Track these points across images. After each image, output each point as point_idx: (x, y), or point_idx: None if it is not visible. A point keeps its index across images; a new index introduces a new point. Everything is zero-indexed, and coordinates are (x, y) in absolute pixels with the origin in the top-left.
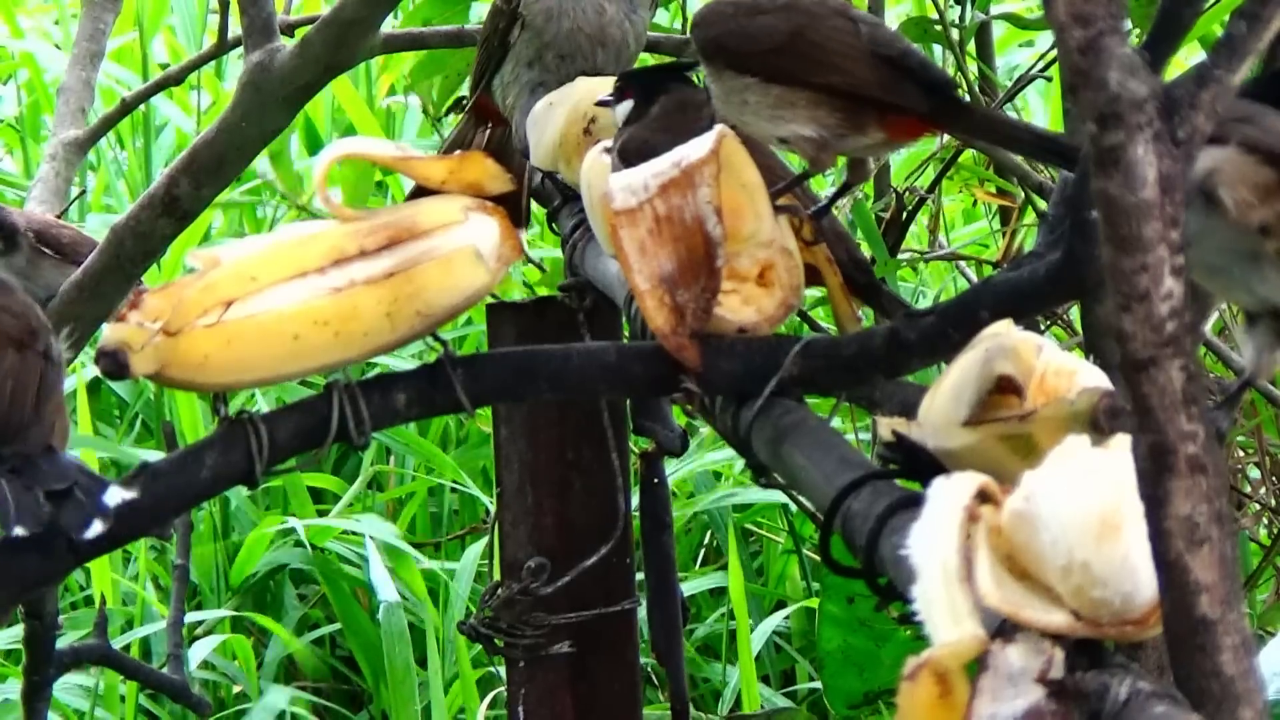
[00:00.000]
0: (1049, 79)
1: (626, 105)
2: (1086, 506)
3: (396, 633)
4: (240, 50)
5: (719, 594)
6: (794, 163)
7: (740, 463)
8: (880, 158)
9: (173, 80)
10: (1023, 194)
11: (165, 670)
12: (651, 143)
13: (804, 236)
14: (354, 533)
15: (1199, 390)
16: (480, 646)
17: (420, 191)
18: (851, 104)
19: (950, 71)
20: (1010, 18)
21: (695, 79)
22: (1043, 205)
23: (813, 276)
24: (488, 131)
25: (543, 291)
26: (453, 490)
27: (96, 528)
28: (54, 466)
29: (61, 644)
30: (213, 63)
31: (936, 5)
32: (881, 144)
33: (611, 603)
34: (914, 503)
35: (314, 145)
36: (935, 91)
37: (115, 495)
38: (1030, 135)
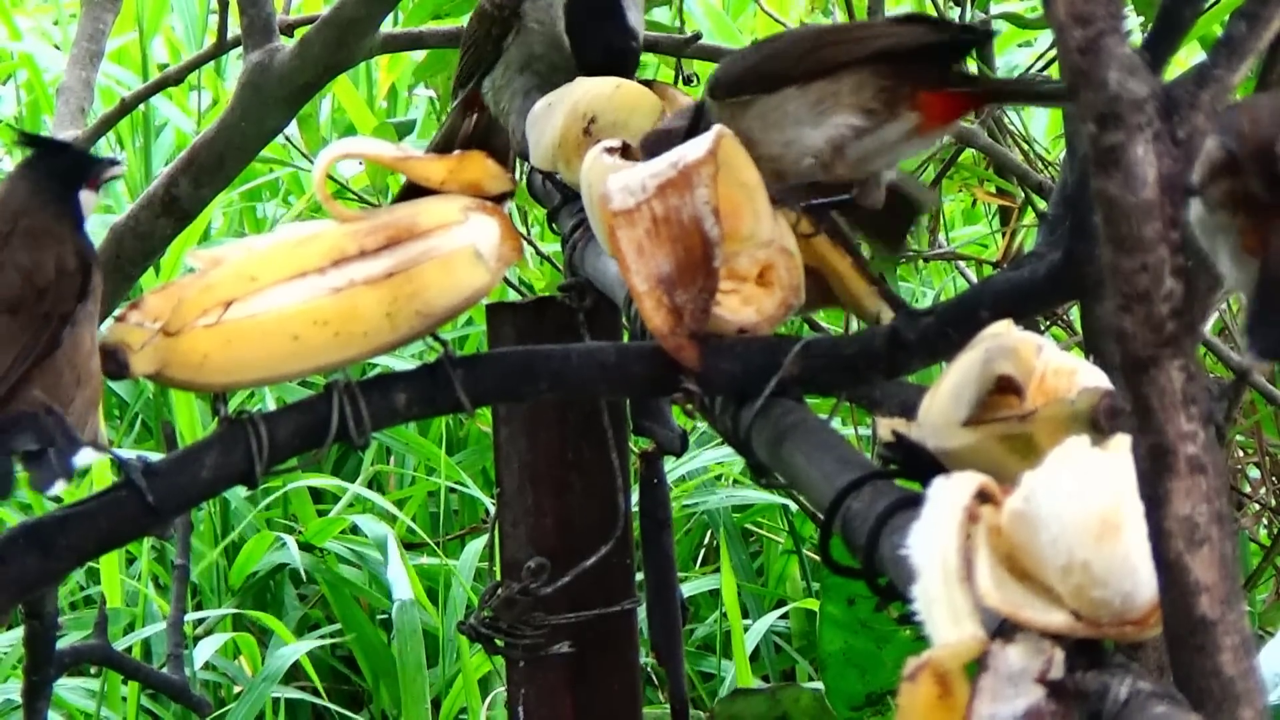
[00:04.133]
0: (1049, 79)
1: None
2: (1086, 506)
3: (409, 631)
4: (240, 50)
5: (719, 594)
6: None
7: (740, 462)
8: (892, 174)
9: (172, 80)
10: (1023, 194)
11: (166, 670)
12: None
13: (801, 230)
14: (355, 532)
15: (1199, 390)
16: (480, 646)
17: (413, 191)
18: (892, 80)
19: None
20: (1010, 17)
21: None
22: (1043, 205)
23: (818, 297)
24: (475, 117)
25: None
26: (452, 490)
27: (59, 485)
28: (37, 430)
29: (62, 644)
30: (213, 63)
31: (936, 5)
32: (915, 131)
33: (611, 603)
34: (914, 503)
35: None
36: (967, 30)
37: (85, 456)
38: (1051, 88)
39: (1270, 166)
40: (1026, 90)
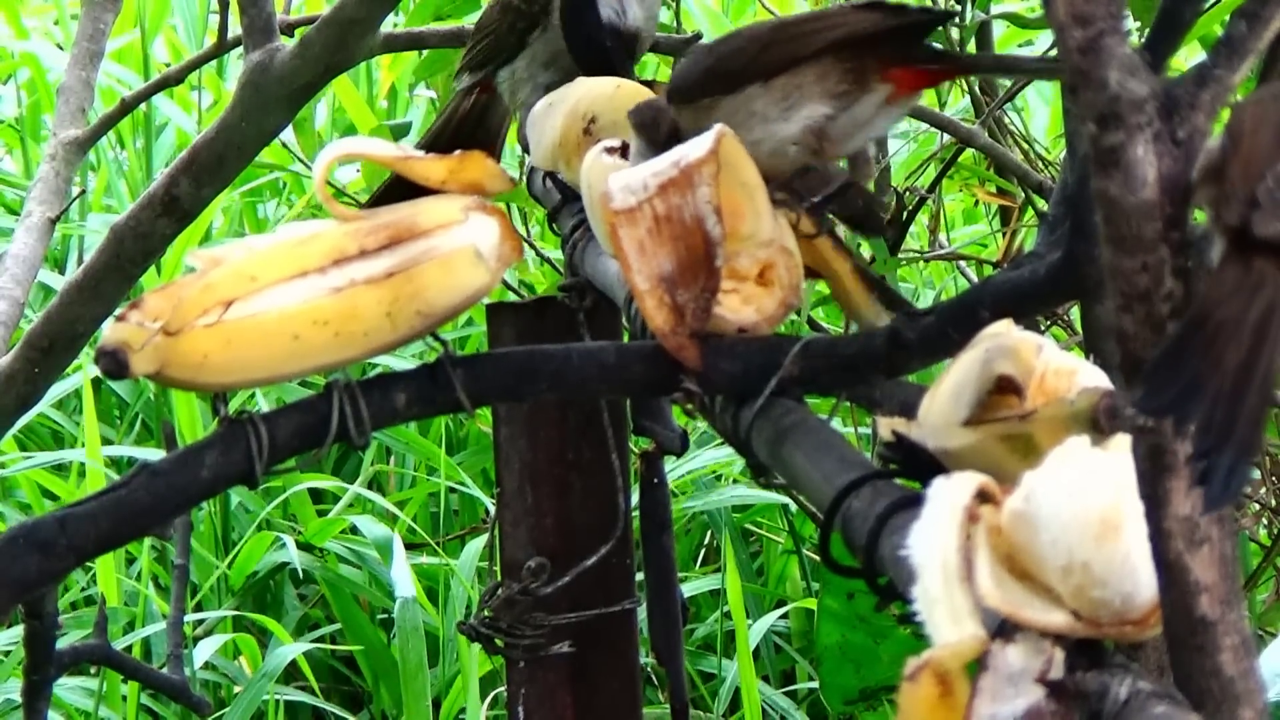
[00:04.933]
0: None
1: None
2: (1086, 506)
3: (411, 629)
4: (241, 50)
5: (719, 594)
6: None
7: (740, 462)
8: (882, 159)
9: (172, 80)
10: (1023, 194)
11: (165, 670)
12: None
13: (803, 230)
14: (355, 532)
15: None
16: (480, 646)
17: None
18: (856, 61)
19: None
20: (1010, 17)
21: None
22: (1043, 205)
23: (814, 274)
24: (473, 97)
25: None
26: (452, 490)
27: None
28: None
29: (62, 644)
30: (214, 62)
31: (936, 4)
32: (889, 102)
33: (611, 603)
34: (914, 503)
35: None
36: (927, 11)
37: None
38: (1021, 59)
39: (1246, 204)
40: (996, 64)
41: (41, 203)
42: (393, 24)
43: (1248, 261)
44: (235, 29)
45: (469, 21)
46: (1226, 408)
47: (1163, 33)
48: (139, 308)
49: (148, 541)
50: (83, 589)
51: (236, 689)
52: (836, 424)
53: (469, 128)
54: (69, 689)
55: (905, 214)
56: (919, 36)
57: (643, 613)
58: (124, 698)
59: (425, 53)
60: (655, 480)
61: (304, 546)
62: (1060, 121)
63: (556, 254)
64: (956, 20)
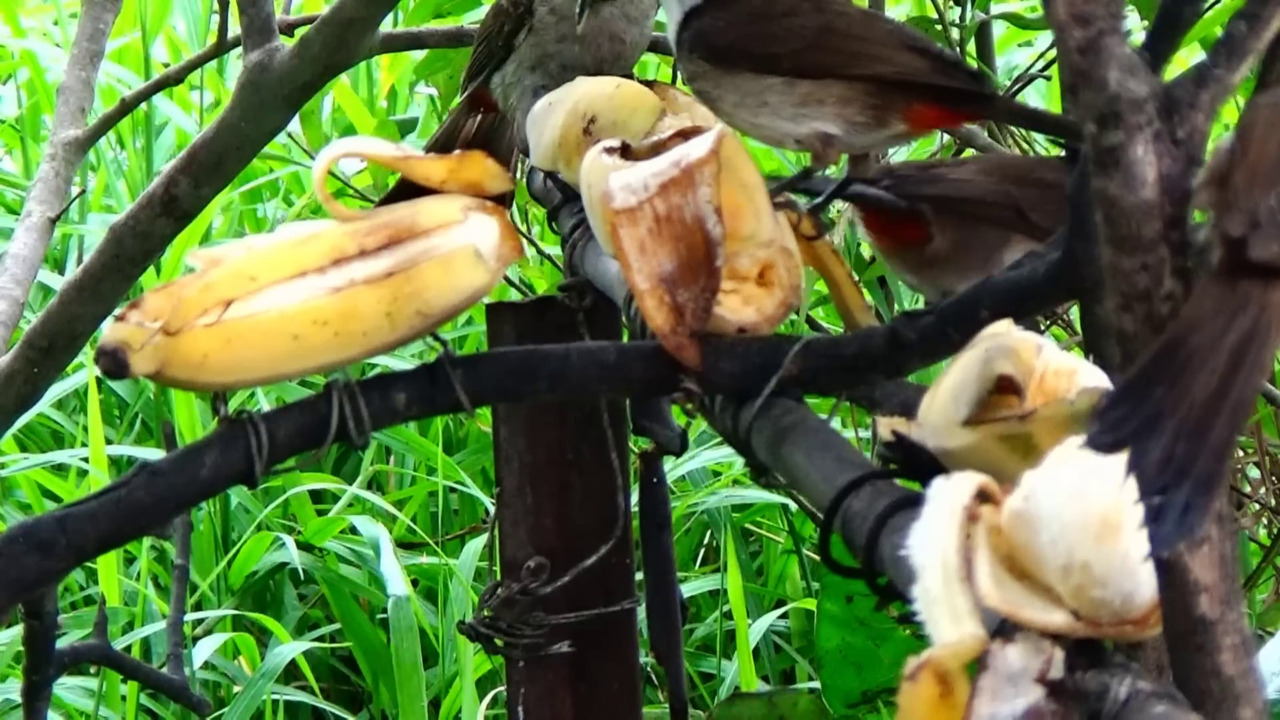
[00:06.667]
0: (1049, 79)
1: None
2: (1086, 506)
3: (405, 627)
4: (241, 50)
5: (719, 594)
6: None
7: (740, 462)
8: (883, 153)
9: (172, 80)
10: None
11: (165, 670)
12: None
13: (804, 232)
14: (355, 532)
15: None
16: (480, 646)
17: (405, 189)
18: (884, 96)
19: None
20: (1010, 17)
21: None
22: None
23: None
24: (479, 118)
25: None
26: (452, 490)
27: None
28: None
29: (62, 644)
30: (214, 62)
31: (936, 5)
32: (899, 136)
33: (611, 602)
34: (914, 503)
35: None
36: (976, 79)
37: None
38: (1050, 117)
39: (1248, 219)
40: (1026, 115)
41: (41, 203)
42: (392, 23)
43: (1234, 282)
44: (235, 29)
45: (469, 20)
46: (1189, 442)
47: (1163, 33)
48: (139, 308)
49: (148, 541)
50: (83, 589)
51: (236, 689)
52: (836, 424)
53: (475, 147)
54: (69, 689)
55: None
56: (955, 96)
57: (642, 612)
58: (124, 698)
59: (425, 52)
60: (654, 480)
61: (304, 546)
62: None
63: (557, 251)
64: (955, 20)
